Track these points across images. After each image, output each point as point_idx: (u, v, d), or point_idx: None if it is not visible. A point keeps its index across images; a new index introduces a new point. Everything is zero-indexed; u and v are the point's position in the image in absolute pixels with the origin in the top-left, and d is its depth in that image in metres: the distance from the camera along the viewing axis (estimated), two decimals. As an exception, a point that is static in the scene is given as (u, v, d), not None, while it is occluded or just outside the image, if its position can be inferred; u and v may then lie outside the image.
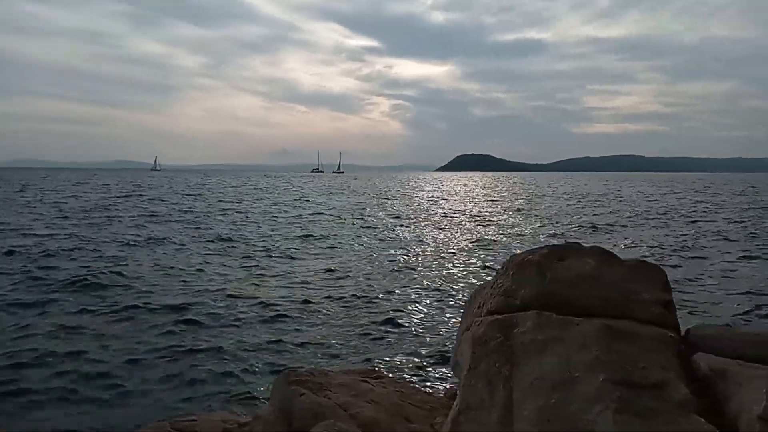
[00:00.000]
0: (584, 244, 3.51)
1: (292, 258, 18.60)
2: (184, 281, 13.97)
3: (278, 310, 11.28)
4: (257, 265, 17.02)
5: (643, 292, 3.09)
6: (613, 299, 3.08)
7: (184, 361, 8.05)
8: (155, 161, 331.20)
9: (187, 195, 55.57)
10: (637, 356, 2.65)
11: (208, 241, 21.83)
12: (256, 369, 7.62)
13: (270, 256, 18.62)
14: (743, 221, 34.57)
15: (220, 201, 47.47)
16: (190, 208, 39.51)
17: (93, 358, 8.08)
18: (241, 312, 11.13)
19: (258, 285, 13.95)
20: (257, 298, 12.49)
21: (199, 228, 26.39)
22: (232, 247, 20.87)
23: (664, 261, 19.73)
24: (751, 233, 28.18)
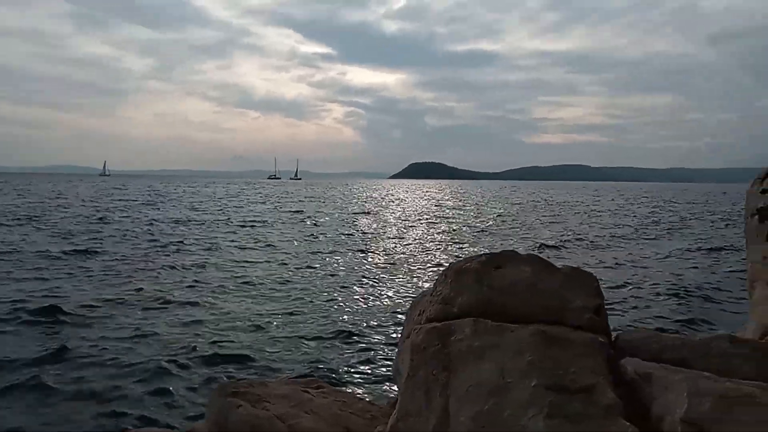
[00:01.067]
0: (521, 252, 3.58)
1: (237, 267, 18.32)
2: (120, 291, 13.56)
3: (220, 321, 11.07)
4: (201, 273, 16.67)
5: (576, 299, 3.17)
6: (547, 306, 3.15)
7: (116, 374, 7.78)
8: (104, 166, 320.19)
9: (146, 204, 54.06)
10: (568, 361, 2.71)
11: (158, 247, 21.28)
12: (196, 382, 7.45)
13: (215, 265, 18.28)
14: (677, 227, 36.28)
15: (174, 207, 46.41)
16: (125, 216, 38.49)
17: (26, 369, 7.74)
18: (181, 323, 10.87)
19: (201, 295, 13.67)
20: (199, 307, 12.23)
21: (137, 236, 25.68)
22: (177, 252, 20.40)
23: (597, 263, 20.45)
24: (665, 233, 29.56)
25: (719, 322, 12.43)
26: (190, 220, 35.52)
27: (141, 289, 13.80)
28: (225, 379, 7.07)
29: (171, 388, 7.11)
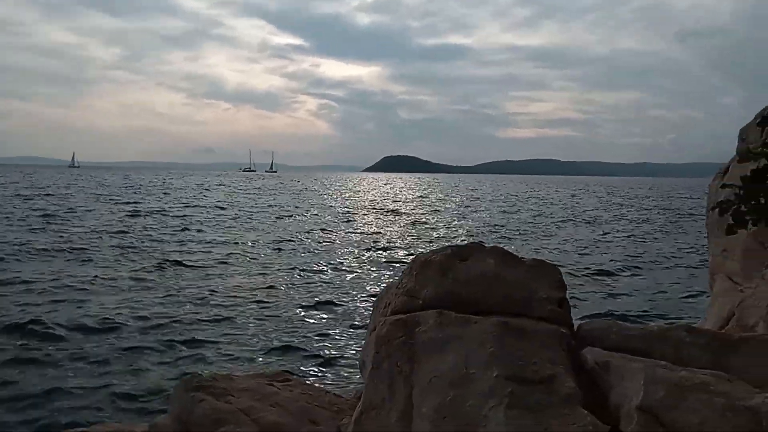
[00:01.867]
0: (486, 244, 3.61)
1: (202, 263, 18.07)
2: (85, 289, 13.29)
3: (186, 315, 10.93)
4: (165, 265, 16.39)
5: (539, 291, 3.21)
6: (511, 297, 3.19)
7: (78, 370, 7.62)
8: (73, 158, 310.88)
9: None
10: (530, 352, 2.75)
11: (120, 248, 20.90)
12: (160, 376, 7.35)
13: (178, 262, 17.97)
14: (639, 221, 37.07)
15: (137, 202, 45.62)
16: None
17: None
18: (145, 315, 10.70)
19: (168, 287, 13.47)
20: (166, 300, 12.06)
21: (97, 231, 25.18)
22: (140, 250, 20.07)
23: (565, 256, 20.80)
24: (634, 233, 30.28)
25: (682, 313, 12.75)
26: (162, 212, 35.03)
27: (110, 278, 13.58)
28: (190, 373, 7.00)
29: (134, 382, 7.01)
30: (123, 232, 24.23)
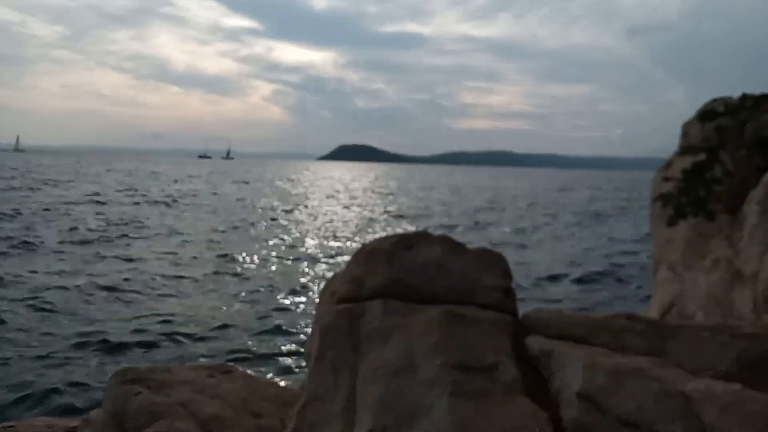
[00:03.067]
0: (433, 233, 3.60)
1: (140, 254, 17.62)
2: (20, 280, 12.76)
3: (127, 307, 10.60)
4: (99, 256, 15.87)
5: (485, 279, 3.22)
6: (457, 286, 3.18)
7: (5, 363, 7.28)
8: (17, 141, 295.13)
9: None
10: (474, 340, 2.74)
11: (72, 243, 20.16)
12: (96, 369, 7.11)
13: (115, 256, 17.48)
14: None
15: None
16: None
17: None
18: (86, 307, 10.33)
19: (109, 279, 13.04)
20: (101, 294, 11.65)
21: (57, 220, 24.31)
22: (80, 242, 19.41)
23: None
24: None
25: (630, 301, 13.16)
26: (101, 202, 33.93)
27: (49, 272, 13.04)
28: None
29: (67, 375, 6.75)
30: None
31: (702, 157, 5.14)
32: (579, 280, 15.73)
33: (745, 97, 5.26)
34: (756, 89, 5.46)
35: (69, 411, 5.70)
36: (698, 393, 2.22)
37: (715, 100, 5.84)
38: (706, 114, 5.41)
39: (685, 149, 5.72)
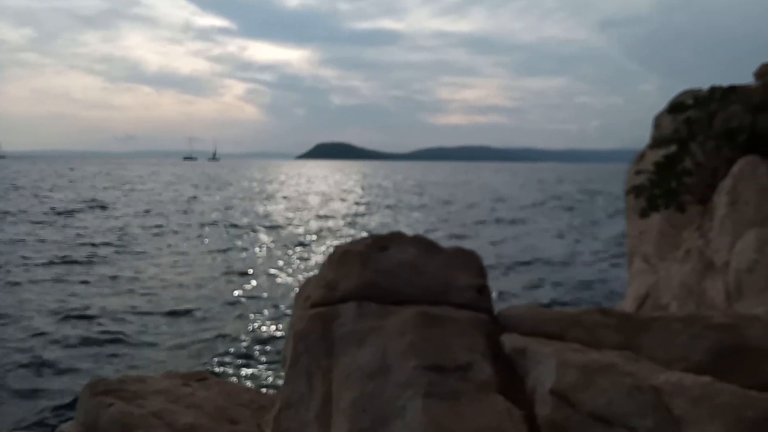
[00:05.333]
0: (407, 233, 3.59)
1: (116, 261, 17.37)
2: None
3: (95, 315, 10.41)
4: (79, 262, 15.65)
5: (459, 278, 3.22)
6: (432, 286, 3.18)
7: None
8: None
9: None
10: (448, 340, 2.74)
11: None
12: (69, 380, 7.00)
13: (90, 261, 17.20)
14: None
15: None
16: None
17: None
18: (58, 316, 10.14)
19: (81, 287, 12.83)
20: (73, 305, 11.44)
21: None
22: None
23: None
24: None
25: (609, 294, 13.30)
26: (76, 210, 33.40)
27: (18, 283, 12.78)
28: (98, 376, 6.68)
29: (41, 388, 6.63)
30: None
31: (673, 149, 5.20)
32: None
33: (713, 89, 5.33)
34: (725, 80, 5.54)
35: (41, 425, 5.60)
36: (669, 386, 2.24)
37: (684, 93, 5.92)
38: (676, 106, 5.47)
39: (656, 141, 5.78)
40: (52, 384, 6.69)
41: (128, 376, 3.42)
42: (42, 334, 9.15)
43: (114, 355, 7.91)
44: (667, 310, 5.14)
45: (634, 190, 5.53)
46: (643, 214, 5.19)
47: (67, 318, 10.28)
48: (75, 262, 16.57)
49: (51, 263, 15.89)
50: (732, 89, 5.26)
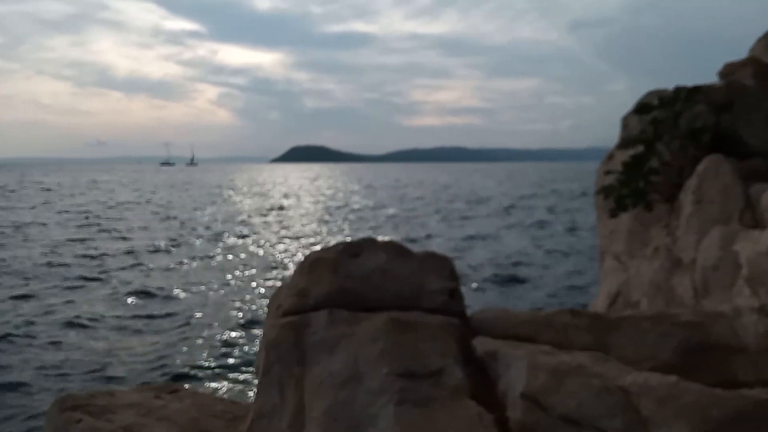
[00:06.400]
0: (380, 238, 3.58)
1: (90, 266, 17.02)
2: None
3: (65, 328, 10.12)
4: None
5: (431, 283, 3.22)
6: (403, 291, 3.17)
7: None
8: None
9: None
10: (420, 346, 2.74)
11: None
12: (36, 398, 6.84)
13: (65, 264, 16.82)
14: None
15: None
16: None
17: None
18: (21, 331, 9.85)
19: (44, 297, 12.51)
20: (38, 317, 11.13)
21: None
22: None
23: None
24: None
25: (584, 293, 13.45)
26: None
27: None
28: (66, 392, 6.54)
29: (8, 405, 6.47)
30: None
31: (640, 149, 5.28)
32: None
33: (678, 89, 5.42)
34: (693, 80, 5.64)
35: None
36: (636, 387, 2.27)
37: (650, 93, 6.02)
38: (643, 107, 5.56)
39: (624, 142, 5.87)
40: (20, 400, 6.53)
41: (97, 391, 3.36)
42: (12, 342, 8.95)
43: (82, 369, 7.74)
44: (637, 308, 5.22)
45: (603, 191, 5.61)
46: (613, 214, 5.26)
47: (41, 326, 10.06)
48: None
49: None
50: (696, 89, 5.36)
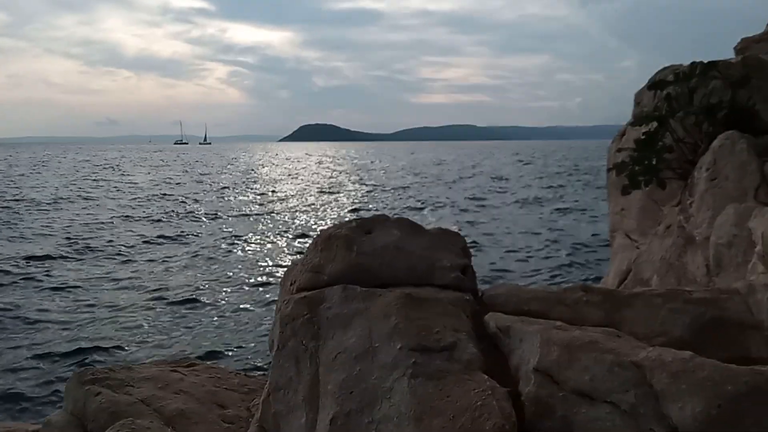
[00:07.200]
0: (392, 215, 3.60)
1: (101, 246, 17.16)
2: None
3: (85, 306, 10.27)
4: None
5: (443, 259, 3.24)
6: (415, 268, 3.20)
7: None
8: None
9: None
10: (432, 321, 2.76)
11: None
12: (55, 372, 6.96)
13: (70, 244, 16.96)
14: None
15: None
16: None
17: None
18: (36, 306, 10.00)
19: (62, 278, 12.66)
20: (57, 293, 11.27)
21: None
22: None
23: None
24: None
25: (592, 272, 13.44)
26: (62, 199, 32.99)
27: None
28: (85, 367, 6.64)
29: (29, 378, 6.60)
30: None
31: (653, 125, 5.23)
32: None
33: (694, 65, 5.35)
34: (706, 56, 5.57)
35: (29, 414, 5.58)
36: (649, 362, 2.28)
37: (664, 69, 5.94)
38: (657, 83, 5.49)
39: (637, 118, 5.81)
40: (40, 373, 6.66)
41: (116, 365, 3.43)
42: (29, 318, 9.09)
43: (100, 346, 7.86)
44: (648, 285, 5.22)
45: (616, 168, 5.57)
46: (625, 191, 5.24)
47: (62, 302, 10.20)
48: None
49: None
50: (712, 65, 5.28)
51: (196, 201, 31.41)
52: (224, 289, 11.88)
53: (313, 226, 22.22)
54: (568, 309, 3.02)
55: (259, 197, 34.15)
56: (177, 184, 44.71)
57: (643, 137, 5.10)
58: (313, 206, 29.20)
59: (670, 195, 5.36)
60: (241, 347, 7.65)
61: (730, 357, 2.50)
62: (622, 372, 2.28)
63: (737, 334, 2.80)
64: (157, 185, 43.35)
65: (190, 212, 26.54)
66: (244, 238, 19.00)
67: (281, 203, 30.62)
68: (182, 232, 20.32)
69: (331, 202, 31.35)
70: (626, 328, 2.88)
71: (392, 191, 37.84)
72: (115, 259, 15.44)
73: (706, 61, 5.36)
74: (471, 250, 3.54)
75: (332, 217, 24.79)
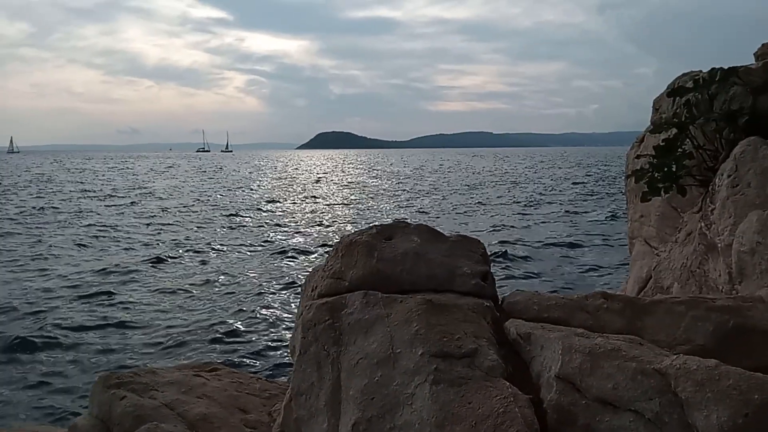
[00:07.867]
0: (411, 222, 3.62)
1: (122, 248, 17.34)
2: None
3: (108, 309, 10.40)
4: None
5: (463, 266, 3.25)
6: (435, 274, 3.21)
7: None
8: (11, 142, 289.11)
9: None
10: (453, 328, 2.77)
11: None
12: (81, 375, 7.06)
13: (104, 247, 17.21)
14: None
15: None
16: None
17: None
18: (62, 312, 10.14)
19: (86, 282, 12.82)
20: (82, 300, 11.42)
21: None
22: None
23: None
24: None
25: (610, 279, 13.33)
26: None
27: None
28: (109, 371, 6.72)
29: (55, 382, 6.70)
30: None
31: (672, 132, 5.20)
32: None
33: (713, 71, 5.31)
34: (725, 62, 5.52)
35: (56, 418, 5.67)
36: (674, 370, 2.27)
37: (683, 75, 5.90)
38: (676, 89, 5.46)
39: (656, 125, 5.78)
40: (65, 377, 6.76)
41: (140, 369, 3.48)
42: (55, 323, 9.22)
43: (124, 349, 7.97)
44: (668, 293, 5.17)
45: (635, 174, 5.54)
46: (644, 198, 5.20)
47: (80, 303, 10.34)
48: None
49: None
50: (732, 70, 5.24)
51: (236, 213, 31.39)
52: (246, 292, 11.99)
53: (335, 232, 22.29)
54: (588, 316, 3.02)
55: (276, 206, 34.32)
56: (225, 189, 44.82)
57: (662, 144, 5.07)
58: (334, 214, 29.29)
59: (690, 202, 5.32)
60: (262, 352, 7.71)
61: (754, 365, 2.47)
62: (645, 380, 2.27)
63: (761, 342, 2.77)
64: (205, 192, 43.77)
65: (232, 215, 26.76)
66: (261, 244, 19.12)
67: (305, 212, 30.70)
68: (215, 239, 20.48)
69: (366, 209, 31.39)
70: (648, 335, 2.86)
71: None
72: (144, 266, 15.61)
73: (725, 67, 5.32)
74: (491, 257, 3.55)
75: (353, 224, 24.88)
